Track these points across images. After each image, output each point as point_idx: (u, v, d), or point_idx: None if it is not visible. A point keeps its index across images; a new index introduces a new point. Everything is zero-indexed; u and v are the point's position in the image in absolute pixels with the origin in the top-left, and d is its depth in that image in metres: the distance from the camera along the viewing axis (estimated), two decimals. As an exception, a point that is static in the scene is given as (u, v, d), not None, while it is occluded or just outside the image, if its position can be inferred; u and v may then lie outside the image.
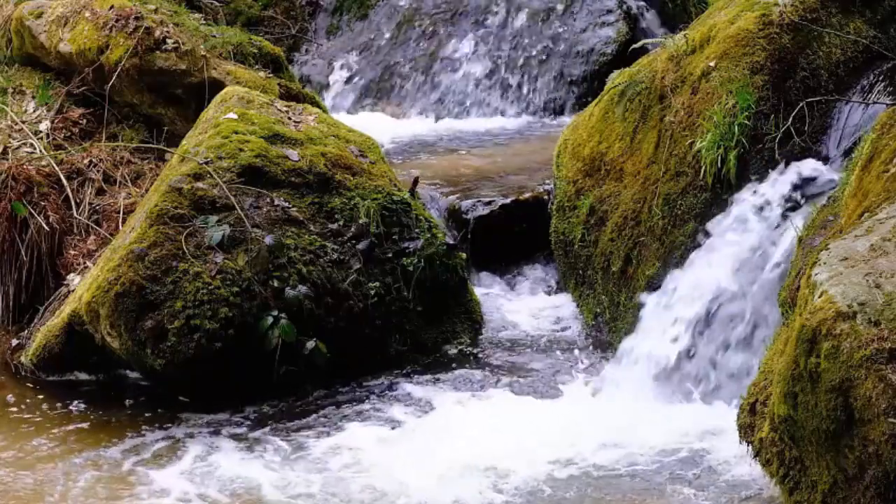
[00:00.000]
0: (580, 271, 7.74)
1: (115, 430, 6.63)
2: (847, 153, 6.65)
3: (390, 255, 7.31)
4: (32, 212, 7.69)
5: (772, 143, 6.91)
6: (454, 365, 7.22)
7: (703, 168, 6.99)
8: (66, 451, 6.43)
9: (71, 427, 6.69)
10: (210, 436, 6.53)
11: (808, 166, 6.82)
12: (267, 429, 6.59)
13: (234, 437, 6.52)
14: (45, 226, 7.68)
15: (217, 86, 8.07)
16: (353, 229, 7.25)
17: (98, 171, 8.00)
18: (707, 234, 6.92)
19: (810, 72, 7.08)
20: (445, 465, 6.07)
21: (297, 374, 6.86)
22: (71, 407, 6.91)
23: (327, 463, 6.22)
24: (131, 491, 6.01)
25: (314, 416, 6.71)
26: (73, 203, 7.81)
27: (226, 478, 6.10)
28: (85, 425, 6.71)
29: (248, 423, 6.67)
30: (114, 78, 8.22)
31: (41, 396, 7.02)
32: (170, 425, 6.66)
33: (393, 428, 6.54)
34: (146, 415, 6.78)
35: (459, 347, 7.39)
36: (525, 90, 10.84)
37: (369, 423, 6.61)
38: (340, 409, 6.77)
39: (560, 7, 11.12)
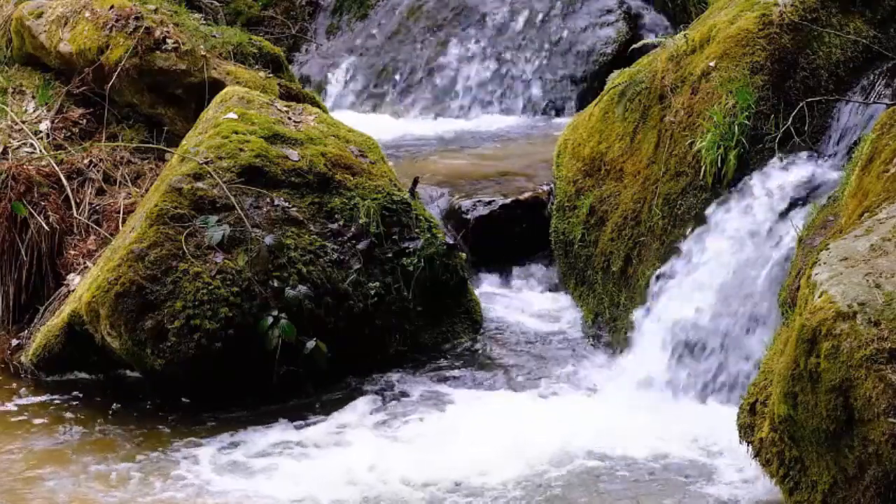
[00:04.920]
0: (580, 271, 7.74)
1: (103, 430, 6.63)
2: (847, 153, 6.65)
3: (390, 255, 7.31)
4: (32, 212, 7.69)
5: (772, 143, 6.91)
6: (454, 365, 7.22)
7: (703, 168, 7.00)
8: (39, 449, 6.43)
9: (62, 427, 6.68)
10: (203, 436, 6.53)
11: (808, 166, 6.82)
12: (263, 429, 6.58)
13: (228, 436, 6.51)
14: (45, 226, 7.67)
15: (217, 86, 8.07)
16: (353, 229, 7.25)
17: (98, 171, 8.00)
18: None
19: (810, 72, 7.08)
20: (445, 464, 6.08)
21: (296, 374, 6.86)
22: (65, 406, 6.90)
23: (321, 464, 6.22)
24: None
25: (312, 415, 6.71)
26: (73, 203, 7.81)
27: (207, 478, 6.10)
28: (77, 426, 6.71)
29: (245, 423, 6.67)
30: (114, 78, 8.22)
31: (40, 396, 7.02)
32: (165, 426, 6.66)
33: (393, 428, 6.54)
34: (139, 416, 6.77)
35: (459, 347, 7.39)
36: (525, 90, 10.84)
37: (368, 423, 6.60)
38: (339, 409, 6.77)
39: (560, 7, 11.12)
